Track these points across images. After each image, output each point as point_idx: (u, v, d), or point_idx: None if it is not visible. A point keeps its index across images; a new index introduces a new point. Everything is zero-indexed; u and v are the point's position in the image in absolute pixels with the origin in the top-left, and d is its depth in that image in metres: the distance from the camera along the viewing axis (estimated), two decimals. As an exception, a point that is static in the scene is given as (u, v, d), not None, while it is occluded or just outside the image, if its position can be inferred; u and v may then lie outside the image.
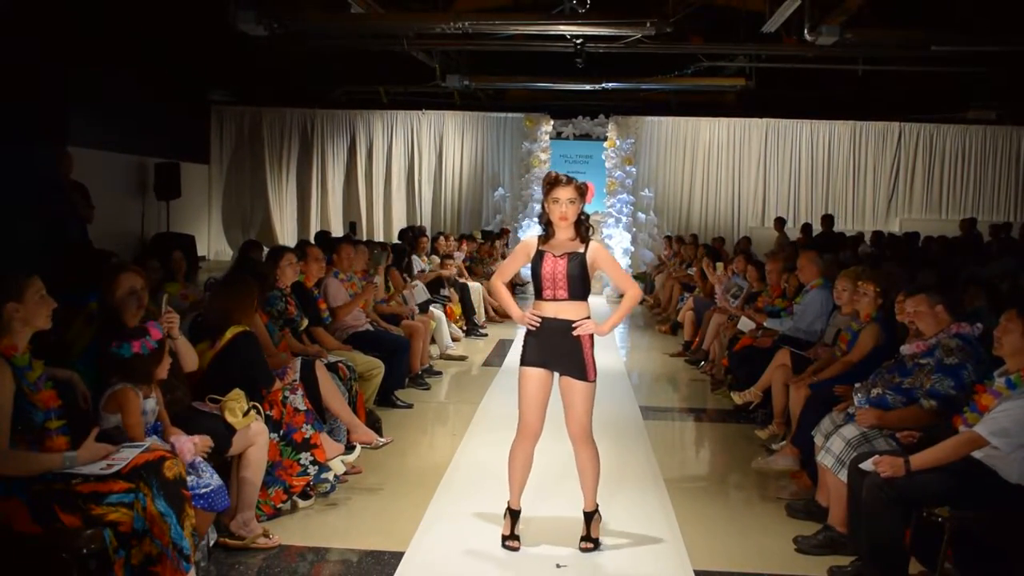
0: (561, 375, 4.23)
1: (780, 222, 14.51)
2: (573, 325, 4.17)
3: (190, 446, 3.67)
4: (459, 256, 11.67)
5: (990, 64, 13.04)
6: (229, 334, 4.59)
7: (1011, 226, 13.78)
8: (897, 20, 11.29)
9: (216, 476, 3.76)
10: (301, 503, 4.76)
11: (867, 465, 3.87)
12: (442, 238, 12.04)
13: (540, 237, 4.28)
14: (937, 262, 9.57)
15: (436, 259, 10.95)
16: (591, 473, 4.34)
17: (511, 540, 4.34)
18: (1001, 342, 3.82)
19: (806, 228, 14.00)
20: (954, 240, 12.39)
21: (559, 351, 4.19)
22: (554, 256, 4.18)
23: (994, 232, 13.05)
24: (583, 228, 4.23)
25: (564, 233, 4.22)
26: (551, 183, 4.18)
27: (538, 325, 4.23)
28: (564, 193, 4.14)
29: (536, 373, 4.25)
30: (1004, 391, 3.72)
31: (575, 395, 4.21)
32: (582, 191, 4.17)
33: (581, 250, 4.18)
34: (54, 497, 3.22)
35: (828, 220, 14.18)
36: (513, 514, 4.40)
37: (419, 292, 9.31)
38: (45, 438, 3.32)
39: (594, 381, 4.23)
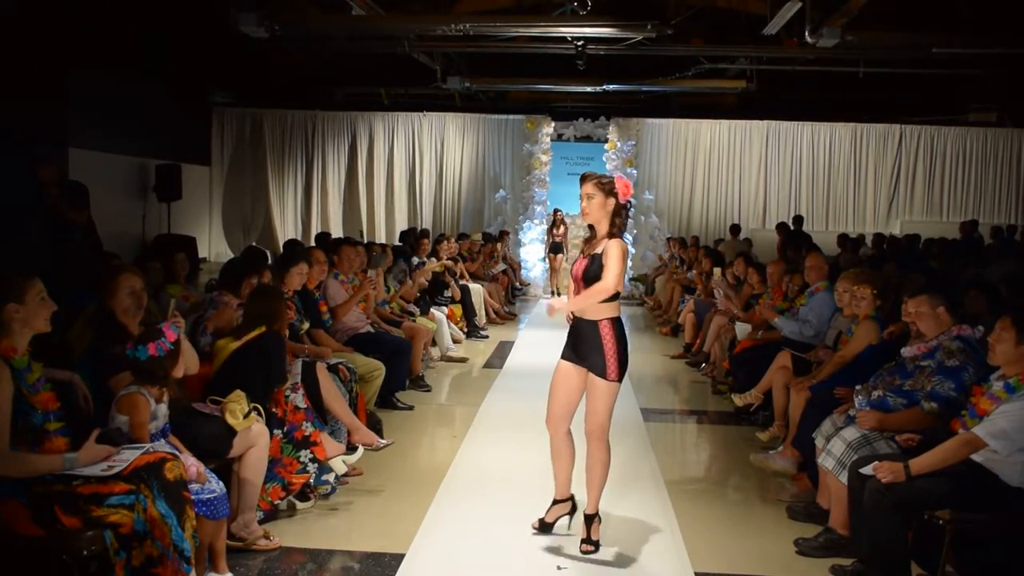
0: (588, 371, 4.28)
1: (735, 228, 14.66)
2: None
3: (193, 468, 3.65)
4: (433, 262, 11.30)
5: (990, 66, 13.06)
6: (258, 331, 4.67)
7: (1015, 228, 13.79)
8: (898, 22, 11.30)
9: (220, 484, 3.75)
10: (300, 505, 4.76)
11: (867, 470, 3.87)
12: (445, 241, 12.02)
13: (586, 238, 4.43)
14: (936, 264, 9.57)
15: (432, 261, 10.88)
16: (598, 474, 4.36)
17: (537, 525, 4.50)
18: (995, 349, 3.81)
19: (782, 227, 14.06)
20: (954, 242, 12.38)
21: (582, 347, 4.27)
22: (583, 256, 4.31)
23: (995, 234, 13.05)
24: (613, 226, 4.24)
25: (598, 231, 4.28)
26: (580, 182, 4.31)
27: (572, 321, 4.38)
28: (583, 189, 4.24)
29: (563, 365, 4.37)
30: (1003, 395, 3.71)
31: (593, 391, 4.26)
32: (604, 187, 4.21)
33: (599, 250, 4.20)
34: (54, 499, 3.22)
35: (797, 220, 14.33)
36: (555, 503, 4.51)
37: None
38: (44, 440, 3.31)
39: (614, 381, 4.23)
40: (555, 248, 15.43)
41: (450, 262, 11.09)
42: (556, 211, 15.63)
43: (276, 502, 4.61)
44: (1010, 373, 3.75)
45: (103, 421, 3.63)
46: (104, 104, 11.38)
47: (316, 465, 4.76)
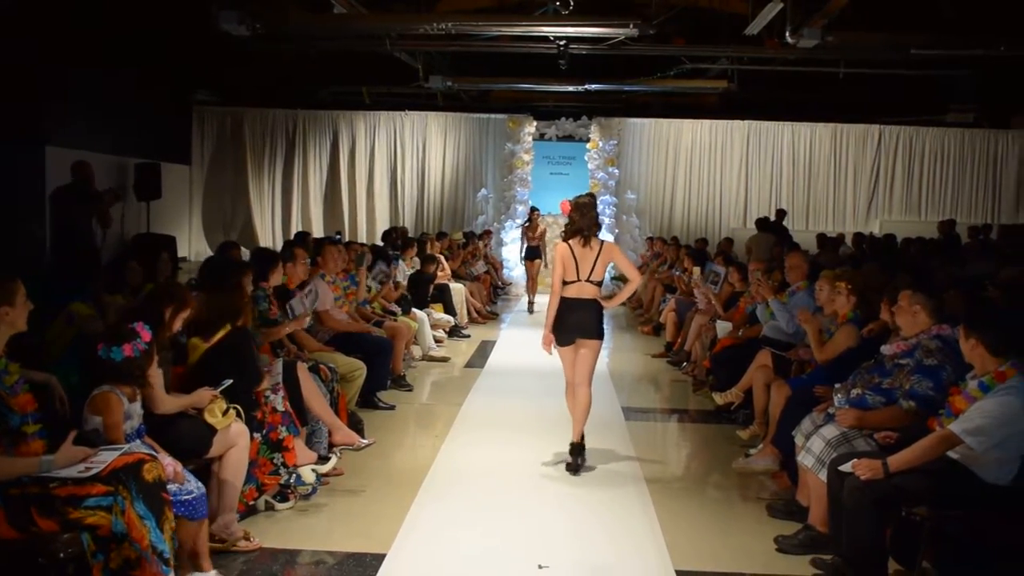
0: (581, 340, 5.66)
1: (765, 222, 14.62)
2: None
3: (170, 468, 3.62)
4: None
5: (969, 67, 13.17)
6: (225, 330, 4.60)
7: (991, 227, 13.91)
8: (878, 23, 11.38)
9: (199, 484, 3.73)
10: (280, 505, 4.74)
11: (846, 468, 3.90)
12: (430, 242, 12.01)
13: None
14: (915, 263, 9.63)
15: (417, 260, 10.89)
16: (585, 411, 5.65)
17: (571, 469, 5.50)
18: (963, 351, 3.90)
19: (760, 222, 14.07)
20: (931, 241, 12.48)
21: (582, 320, 5.61)
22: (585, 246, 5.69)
23: (972, 233, 13.15)
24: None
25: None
26: None
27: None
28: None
29: (564, 350, 5.70)
30: (978, 394, 3.75)
31: (589, 352, 5.65)
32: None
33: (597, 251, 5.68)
34: (31, 501, 3.18)
35: (780, 213, 14.45)
36: (574, 447, 5.55)
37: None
38: (21, 442, 3.28)
39: (601, 339, 5.72)
40: (532, 253, 13.55)
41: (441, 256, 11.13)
42: (533, 210, 14.13)
43: (251, 502, 4.60)
44: (981, 371, 3.79)
45: (80, 423, 3.60)
46: (82, 102, 11.28)
47: (287, 469, 4.75)
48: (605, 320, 5.79)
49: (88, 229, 8.86)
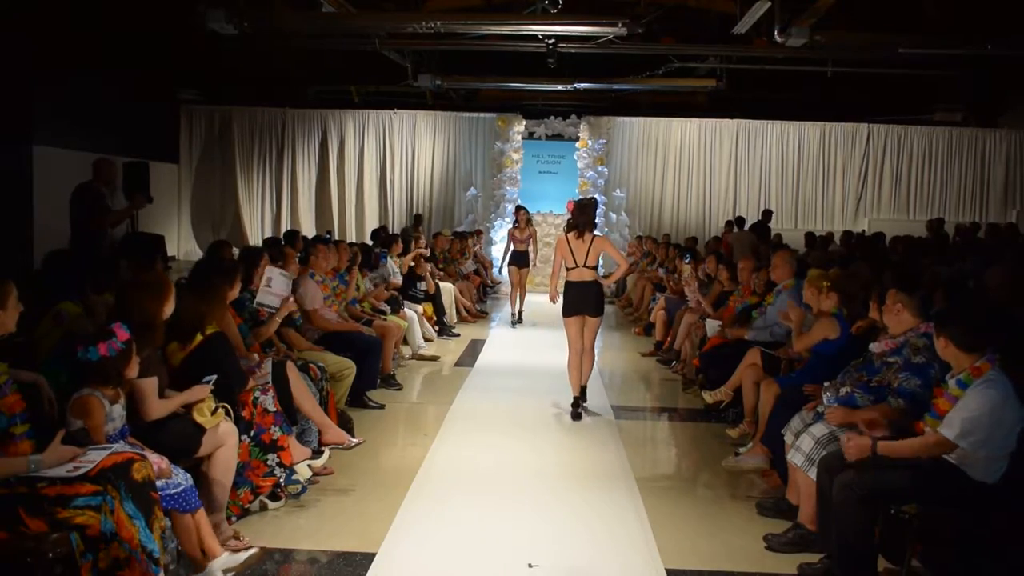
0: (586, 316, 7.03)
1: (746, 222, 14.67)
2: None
3: (155, 465, 3.59)
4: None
5: (956, 67, 13.25)
6: (201, 335, 4.51)
7: (979, 226, 13.98)
8: (865, 23, 11.44)
9: (186, 476, 3.72)
10: (271, 504, 4.73)
11: (840, 436, 3.92)
12: (414, 240, 11.97)
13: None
14: (903, 262, 9.67)
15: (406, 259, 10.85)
16: (590, 368, 7.18)
17: (575, 416, 6.88)
18: (937, 350, 3.93)
19: (739, 222, 14.07)
20: (919, 240, 12.53)
21: (586, 299, 6.96)
22: (581, 240, 7.06)
23: (959, 232, 13.22)
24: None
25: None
26: None
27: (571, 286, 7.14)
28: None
29: (570, 320, 7.03)
30: (958, 392, 3.77)
31: (592, 325, 7.03)
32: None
33: (590, 243, 7.03)
34: (18, 501, 3.16)
35: (766, 214, 14.56)
36: (576, 400, 6.96)
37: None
38: (10, 443, 3.26)
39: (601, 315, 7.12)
40: (517, 259, 12.09)
41: (425, 251, 11.03)
42: (520, 210, 12.56)
43: (247, 506, 4.59)
44: (957, 369, 3.82)
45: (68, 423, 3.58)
46: (71, 101, 11.23)
47: (283, 468, 4.74)
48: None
49: (94, 230, 8.71)
